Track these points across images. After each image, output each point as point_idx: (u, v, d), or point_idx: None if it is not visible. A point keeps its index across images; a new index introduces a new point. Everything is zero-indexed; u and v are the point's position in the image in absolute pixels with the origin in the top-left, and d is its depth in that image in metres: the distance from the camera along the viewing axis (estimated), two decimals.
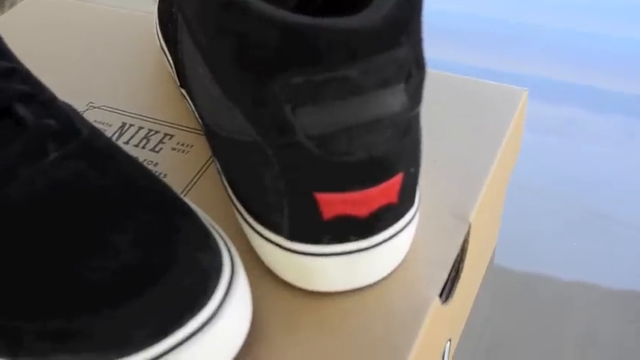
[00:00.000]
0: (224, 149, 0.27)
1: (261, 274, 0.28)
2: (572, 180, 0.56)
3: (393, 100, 0.23)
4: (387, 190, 0.24)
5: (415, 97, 0.23)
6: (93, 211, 0.24)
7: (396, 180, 0.24)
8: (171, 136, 0.35)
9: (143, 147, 0.35)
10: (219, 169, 0.29)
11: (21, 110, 0.26)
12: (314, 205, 0.24)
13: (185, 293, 0.22)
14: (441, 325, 0.29)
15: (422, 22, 0.23)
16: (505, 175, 0.36)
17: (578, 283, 0.48)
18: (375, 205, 0.24)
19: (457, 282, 0.30)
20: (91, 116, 0.37)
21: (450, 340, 0.33)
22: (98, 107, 0.37)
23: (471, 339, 0.42)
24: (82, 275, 0.23)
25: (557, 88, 0.66)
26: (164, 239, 0.24)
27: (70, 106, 0.28)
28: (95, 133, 0.27)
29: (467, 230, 0.29)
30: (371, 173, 0.23)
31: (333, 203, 0.24)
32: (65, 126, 0.26)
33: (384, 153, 0.23)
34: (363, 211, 0.24)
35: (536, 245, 0.50)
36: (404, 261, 0.28)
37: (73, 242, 0.23)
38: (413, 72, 0.23)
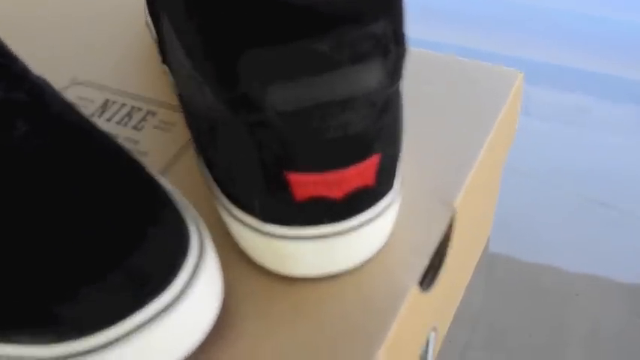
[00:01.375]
0: (197, 127, 0.26)
1: (236, 257, 0.27)
2: (578, 168, 0.55)
3: (369, 76, 0.21)
4: (363, 171, 0.23)
5: (394, 74, 0.22)
6: (59, 188, 0.23)
7: (373, 161, 0.23)
8: (154, 113, 0.34)
9: (125, 124, 0.34)
10: (195, 148, 0.28)
11: None
12: (286, 185, 0.23)
13: (148, 275, 0.21)
14: (421, 314, 0.28)
15: None
16: (498, 161, 0.35)
17: (581, 274, 0.47)
18: (349, 187, 0.23)
19: (441, 269, 0.29)
20: (74, 92, 0.36)
21: (434, 329, 0.32)
22: (81, 83, 0.36)
23: (465, 329, 0.41)
24: (43, 255, 0.22)
25: (566, 74, 0.64)
26: (130, 220, 0.23)
27: (44, 80, 0.27)
28: (67, 109, 0.26)
29: (451, 216, 0.28)
30: (345, 153, 0.22)
31: (305, 184, 0.23)
32: (36, 100, 0.25)
33: (360, 131, 0.22)
34: (337, 192, 0.23)
35: (540, 234, 0.49)
36: (384, 246, 0.27)
37: (37, 221, 0.22)
38: (391, 48, 0.22)
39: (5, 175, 0.23)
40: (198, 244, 0.23)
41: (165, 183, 0.26)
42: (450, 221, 0.28)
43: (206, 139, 0.26)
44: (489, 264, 0.44)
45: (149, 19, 0.36)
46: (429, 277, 0.28)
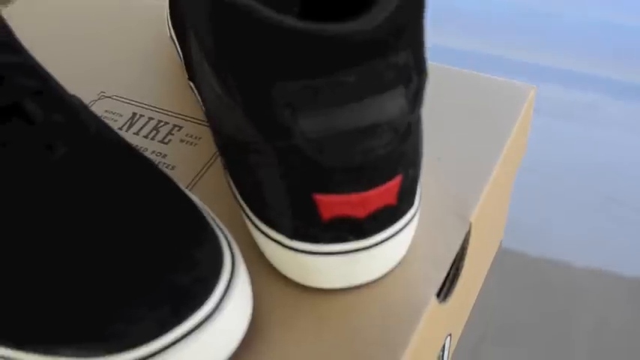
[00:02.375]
0: (227, 147, 0.27)
1: (263, 268, 0.29)
2: (588, 165, 0.56)
3: (392, 105, 0.23)
4: (385, 193, 0.25)
5: (415, 101, 0.24)
6: (101, 208, 0.25)
7: (395, 182, 0.25)
8: (180, 127, 0.36)
9: (152, 138, 0.35)
10: (224, 165, 0.30)
11: (30, 106, 0.26)
12: (313, 206, 0.24)
13: (187, 292, 0.23)
14: (438, 323, 0.29)
15: (424, 26, 0.23)
16: (510, 174, 0.36)
17: (590, 269, 0.48)
18: (373, 207, 0.25)
19: (457, 281, 0.30)
20: (102, 106, 0.37)
21: (450, 335, 0.33)
22: (109, 97, 0.38)
23: (479, 324, 0.42)
24: (86, 272, 0.23)
25: (575, 73, 0.65)
26: (168, 237, 0.24)
27: (79, 100, 0.29)
28: (103, 129, 0.28)
29: (467, 230, 0.30)
30: (369, 177, 0.24)
31: (331, 204, 0.24)
32: (73, 122, 0.27)
33: (383, 157, 0.24)
34: (361, 212, 0.25)
35: (549, 230, 0.50)
36: (403, 259, 0.28)
37: (79, 240, 0.24)
38: (413, 77, 0.23)
39: (49, 196, 0.25)
40: (231, 261, 0.25)
41: (197, 200, 0.28)
42: (466, 235, 0.30)
43: (236, 158, 0.27)
44: (500, 259, 0.45)
45: (173, 34, 0.37)
46: (445, 288, 0.29)
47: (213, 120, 0.28)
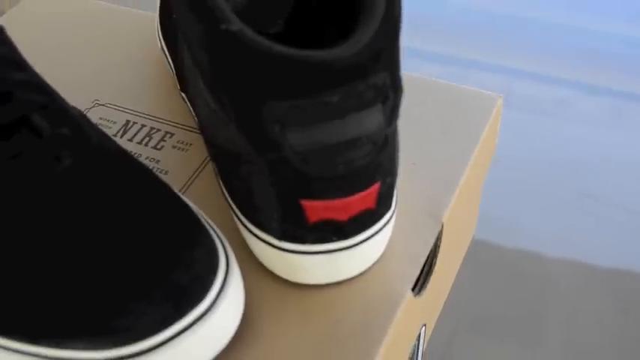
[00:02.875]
0: (220, 157, 0.30)
1: (252, 266, 0.31)
2: (559, 160, 0.58)
3: (371, 120, 0.25)
4: (365, 198, 0.27)
5: (391, 116, 0.26)
6: (104, 213, 0.27)
7: (374, 189, 0.27)
8: (172, 134, 0.38)
9: (146, 144, 0.37)
10: (216, 172, 0.32)
11: (37, 120, 0.28)
12: (300, 210, 0.27)
13: (186, 289, 0.25)
14: (413, 315, 0.32)
15: (399, 48, 0.26)
16: (480, 175, 0.39)
17: (562, 262, 0.51)
18: (354, 211, 0.27)
19: (430, 276, 0.33)
20: (96, 113, 0.39)
21: (424, 325, 0.36)
22: (103, 105, 0.40)
23: (452, 316, 0.44)
24: (94, 272, 0.26)
25: (545, 72, 0.68)
26: (167, 239, 0.27)
27: (80, 112, 0.31)
28: (103, 139, 0.30)
29: (440, 229, 0.32)
30: (350, 184, 0.26)
31: (317, 209, 0.27)
32: (77, 134, 0.29)
33: (363, 167, 0.26)
34: (343, 216, 0.27)
35: (523, 224, 0.53)
36: (381, 257, 0.31)
37: (86, 242, 0.26)
38: (390, 94, 0.26)
39: (56, 202, 0.27)
40: (225, 261, 0.27)
41: (191, 204, 0.30)
42: (438, 234, 0.32)
43: (228, 167, 0.29)
44: (474, 252, 0.47)
45: (164, 45, 0.39)
46: (420, 283, 0.32)
47: (207, 131, 0.31)
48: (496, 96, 0.38)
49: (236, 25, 0.24)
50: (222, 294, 0.26)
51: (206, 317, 0.25)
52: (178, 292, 0.25)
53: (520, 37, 0.72)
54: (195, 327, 0.25)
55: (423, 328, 0.36)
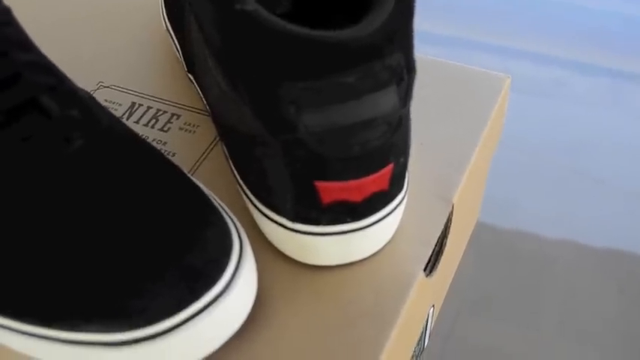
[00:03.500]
0: (231, 138, 0.30)
1: (263, 247, 0.31)
2: (558, 141, 0.58)
3: (386, 101, 0.25)
4: (379, 179, 0.27)
5: (406, 97, 0.26)
6: (117, 195, 0.27)
7: (388, 169, 0.27)
8: (179, 116, 0.38)
9: (152, 126, 0.37)
10: (226, 154, 0.32)
11: (46, 102, 0.28)
12: (314, 192, 0.27)
13: (201, 271, 0.25)
14: (424, 295, 0.32)
15: (413, 29, 0.26)
16: (487, 157, 0.39)
17: (559, 241, 0.51)
18: (368, 192, 0.27)
19: (440, 256, 0.33)
20: (101, 95, 0.39)
21: (433, 305, 0.36)
22: (108, 87, 0.40)
23: (454, 296, 0.45)
24: (108, 254, 0.26)
25: (542, 52, 0.68)
26: (180, 221, 0.27)
27: (89, 94, 0.31)
28: (113, 121, 0.30)
29: (450, 210, 0.32)
30: (365, 165, 0.26)
31: (331, 190, 0.27)
32: (87, 115, 0.29)
33: (378, 147, 0.26)
34: (357, 197, 0.27)
35: (521, 204, 0.53)
36: (392, 238, 0.31)
37: (101, 224, 0.26)
38: (404, 75, 0.26)
39: (68, 185, 0.27)
40: (239, 242, 0.27)
41: (202, 186, 0.30)
42: (449, 215, 0.32)
43: (240, 149, 0.29)
44: (474, 233, 0.48)
45: (169, 26, 0.39)
46: (431, 263, 0.32)
47: (217, 112, 0.31)
48: (504, 76, 0.38)
49: (251, 4, 0.24)
50: (237, 275, 0.26)
51: (221, 299, 0.25)
52: (193, 274, 0.25)
53: (518, 17, 0.72)
54: (210, 309, 0.25)
55: (432, 308, 0.36)
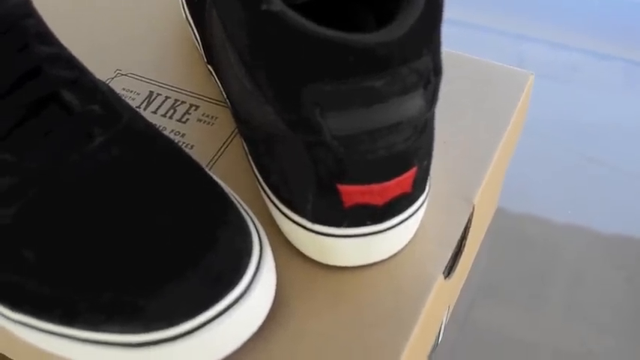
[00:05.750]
0: (253, 136, 0.29)
1: (282, 245, 0.31)
2: (569, 125, 0.58)
3: (413, 104, 0.25)
4: (402, 182, 0.27)
5: (432, 100, 0.26)
6: (138, 194, 0.27)
7: (411, 173, 0.27)
8: (197, 107, 0.37)
9: (170, 117, 0.37)
10: (246, 150, 0.32)
11: (67, 96, 0.28)
12: (336, 194, 0.26)
13: (221, 272, 0.25)
14: (442, 297, 0.32)
15: (441, 31, 0.25)
16: (508, 155, 0.39)
17: (569, 227, 0.50)
18: (390, 195, 0.27)
19: (459, 258, 0.32)
20: (118, 84, 0.39)
21: (449, 306, 0.36)
22: (125, 74, 0.39)
23: (466, 280, 0.44)
24: (129, 253, 0.25)
25: (558, 34, 0.67)
26: (202, 222, 0.26)
27: (109, 88, 0.30)
28: (134, 116, 0.30)
29: (471, 211, 0.32)
30: (389, 169, 0.26)
31: (353, 194, 0.26)
32: (108, 110, 0.29)
33: (403, 151, 0.26)
34: (379, 200, 0.27)
35: (531, 188, 0.53)
36: (412, 239, 0.31)
37: (121, 223, 0.26)
38: (431, 78, 0.25)
39: (88, 183, 0.27)
40: (259, 243, 0.27)
41: (223, 184, 0.30)
42: (469, 215, 0.32)
43: (261, 146, 0.29)
44: None
45: (189, 15, 0.39)
46: (449, 265, 0.31)
47: (238, 108, 0.30)
48: (527, 73, 0.38)
49: (277, 5, 0.24)
50: (257, 276, 0.26)
51: (241, 300, 0.25)
52: (213, 276, 0.25)
53: (534, 2, 0.71)
54: (230, 311, 0.25)
55: (447, 309, 0.36)
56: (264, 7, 0.24)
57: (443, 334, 0.40)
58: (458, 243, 0.31)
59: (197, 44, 0.38)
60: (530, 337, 0.44)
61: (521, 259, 0.48)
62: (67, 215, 0.26)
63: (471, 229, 0.33)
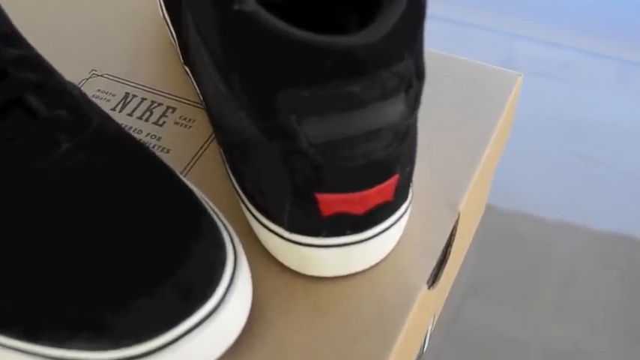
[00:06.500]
0: (228, 142, 0.28)
1: (260, 254, 0.30)
2: (561, 122, 0.57)
3: (394, 110, 0.24)
4: (383, 190, 0.26)
5: (414, 105, 0.25)
6: (106, 203, 0.25)
7: (393, 181, 0.26)
8: (174, 109, 0.36)
9: (146, 120, 0.35)
10: (222, 156, 0.30)
11: (32, 101, 0.26)
12: (314, 203, 0.25)
13: (193, 286, 0.24)
14: (427, 307, 0.31)
15: (423, 33, 0.24)
16: (495, 158, 0.38)
17: (562, 226, 0.50)
18: (371, 204, 0.26)
19: (444, 266, 0.31)
20: (94, 85, 0.37)
21: (434, 314, 0.35)
22: (101, 75, 0.38)
23: (456, 278, 0.43)
24: (96, 266, 0.24)
25: (550, 31, 0.66)
26: (174, 233, 0.25)
27: (79, 90, 0.29)
28: (104, 120, 0.28)
29: (456, 218, 0.31)
30: (369, 177, 0.25)
31: (332, 202, 0.25)
32: (76, 115, 0.27)
33: (383, 158, 0.25)
34: (359, 209, 0.26)
35: (523, 186, 0.52)
36: (395, 247, 0.29)
37: (87, 234, 0.25)
38: (413, 82, 0.24)
39: (53, 191, 0.25)
40: (233, 254, 0.26)
41: (197, 191, 0.28)
42: (455, 223, 0.31)
43: (237, 153, 0.28)
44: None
45: (166, 14, 0.37)
46: (433, 274, 0.30)
47: (213, 112, 0.29)
48: (515, 74, 0.36)
49: (250, 5, 0.22)
50: (231, 289, 0.25)
51: (215, 315, 0.24)
52: (185, 289, 0.24)
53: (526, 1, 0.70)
54: (202, 326, 0.24)
55: (432, 318, 0.35)
56: (236, 7, 0.22)
57: (429, 342, 0.39)
58: (442, 251, 0.30)
59: (174, 44, 0.37)
60: (521, 336, 0.44)
61: (513, 258, 0.48)
62: (30, 226, 0.25)
63: (456, 236, 0.32)
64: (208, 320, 0.24)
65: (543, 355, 0.43)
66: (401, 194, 0.27)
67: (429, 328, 0.35)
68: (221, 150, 0.31)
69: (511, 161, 0.52)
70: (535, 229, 0.50)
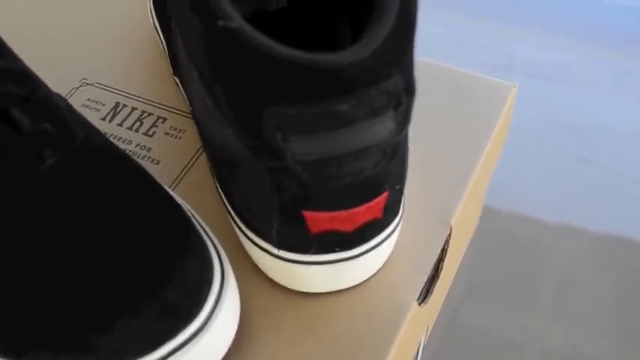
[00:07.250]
0: (216, 157, 0.28)
1: (249, 270, 0.29)
2: (559, 125, 0.57)
3: (382, 128, 0.23)
4: (372, 208, 0.25)
5: (404, 122, 0.24)
6: (91, 219, 0.25)
7: (382, 198, 0.25)
8: (165, 119, 0.36)
9: (136, 130, 0.35)
10: (212, 171, 0.30)
11: (16, 114, 0.26)
12: (302, 221, 0.25)
13: (178, 305, 0.24)
14: (418, 322, 0.30)
15: (414, 48, 0.24)
16: (489, 169, 0.37)
17: (559, 228, 0.50)
18: (360, 222, 0.25)
19: (436, 281, 0.31)
20: (84, 94, 0.37)
21: (427, 327, 0.35)
22: (91, 84, 0.37)
23: (454, 280, 0.43)
24: (77, 285, 0.24)
25: (549, 33, 0.66)
26: (158, 250, 0.25)
27: (65, 102, 0.29)
28: (91, 134, 0.28)
29: (448, 233, 0.31)
30: (357, 195, 0.24)
31: (320, 220, 0.25)
32: (61, 129, 0.27)
33: (372, 176, 0.24)
34: (348, 226, 0.25)
35: (521, 189, 0.52)
36: (386, 263, 0.29)
37: (71, 252, 0.24)
38: (402, 99, 0.23)
39: (37, 208, 0.25)
40: (220, 270, 0.25)
41: (185, 206, 0.28)
42: (446, 238, 0.31)
43: (224, 169, 0.27)
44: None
45: (156, 22, 0.37)
46: (424, 289, 0.30)
47: (201, 126, 0.29)
48: (510, 85, 0.36)
49: (236, 21, 0.22)
50: (217, 309, 0.24)
51: (200, 335, 0.24)
52: (169, 309, 0.23)
53: (524, 5, 0.69)
54: (188, 346, 0.23)
55: (425, 331, 0.35)
56: (220, 22, 0.22)
57: (422, 352, 0.38)
58: (434, 267, 0.30)
59: (165, 54, 0.37)
60: (518, 338, 0.44)
61: (511, 260, 0.47)
62: (13, 244, 0.24)
63: (448, 251, 0.32)
64: (194, 340, 0.24)
65: (541, 358, 0.43)
66: (391, 211, 0.26)
67: (422, 340, 0.35)
68: (210, 164, 0.30)
69: (509, 163, 0.51)
70: (533, 232, 0.49)
